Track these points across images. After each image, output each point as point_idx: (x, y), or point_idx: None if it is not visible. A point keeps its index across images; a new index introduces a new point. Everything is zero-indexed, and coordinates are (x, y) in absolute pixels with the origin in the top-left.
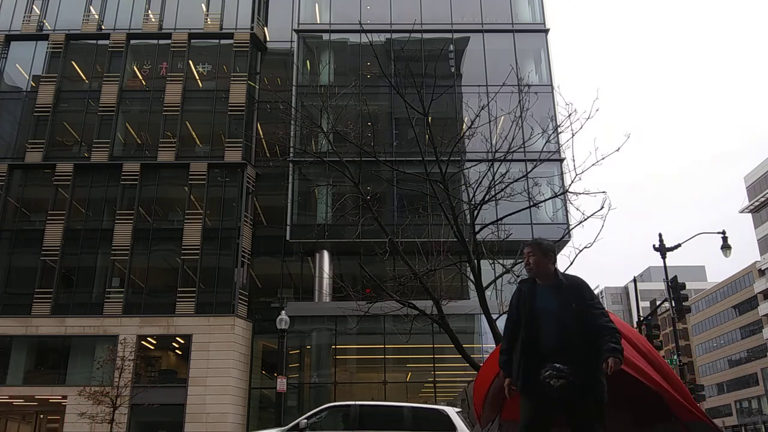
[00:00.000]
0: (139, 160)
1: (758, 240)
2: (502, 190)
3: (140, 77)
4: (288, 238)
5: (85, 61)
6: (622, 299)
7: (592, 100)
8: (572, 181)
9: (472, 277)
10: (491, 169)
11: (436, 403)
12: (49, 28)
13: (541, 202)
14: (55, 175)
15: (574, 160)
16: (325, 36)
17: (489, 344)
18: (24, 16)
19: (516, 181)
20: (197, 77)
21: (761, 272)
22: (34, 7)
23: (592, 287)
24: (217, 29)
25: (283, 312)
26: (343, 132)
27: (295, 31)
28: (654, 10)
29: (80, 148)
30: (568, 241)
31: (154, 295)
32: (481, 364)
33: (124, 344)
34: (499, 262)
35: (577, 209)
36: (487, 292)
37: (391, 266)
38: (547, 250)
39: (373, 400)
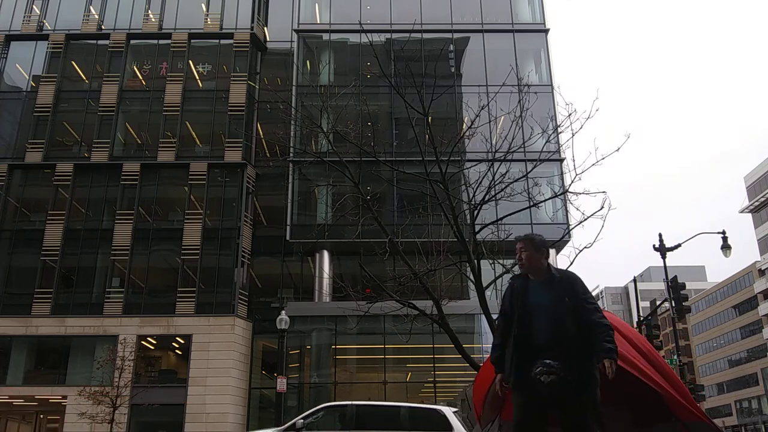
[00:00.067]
0: (139, 160)
1: (758, 240)
2: (502, 190)
3: (140, 77)
4: (288, 238)
5: (85, 61)
6: (622, 299)
7: (592, 100)
8: (572, 181)
9: (472, 277)
10: (491, 169)
11: (436, 403)
12: (49, 28)
13: (541, 202)
14: (55, 175)
15: (574, 160)
16: (325, 36)
17: (489, 344)
18: (24, 16)
19: (516, 181)
20: (197, 77)
21: (761, 272)
22: (34, 7)
23: (592, 287)
24: (217, 29)
25: (283, 312)
26: (343, 132)
27: (295, 31)
28: (654, 10)
29: (80, 148)
30: (568, 241)
31: (154, 295)
32: (481, 364)
33: (124, 344)
34: (499, 262)
35: (577, 209)
36: (487, 292)
37: (391, 266)
38: (539, 245)
39: (370, 400)
